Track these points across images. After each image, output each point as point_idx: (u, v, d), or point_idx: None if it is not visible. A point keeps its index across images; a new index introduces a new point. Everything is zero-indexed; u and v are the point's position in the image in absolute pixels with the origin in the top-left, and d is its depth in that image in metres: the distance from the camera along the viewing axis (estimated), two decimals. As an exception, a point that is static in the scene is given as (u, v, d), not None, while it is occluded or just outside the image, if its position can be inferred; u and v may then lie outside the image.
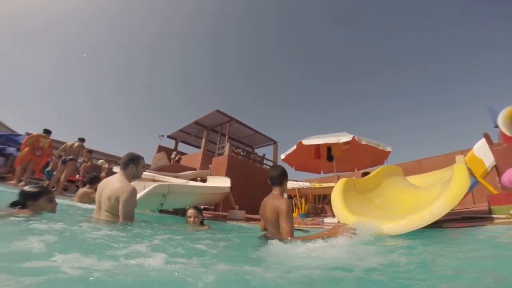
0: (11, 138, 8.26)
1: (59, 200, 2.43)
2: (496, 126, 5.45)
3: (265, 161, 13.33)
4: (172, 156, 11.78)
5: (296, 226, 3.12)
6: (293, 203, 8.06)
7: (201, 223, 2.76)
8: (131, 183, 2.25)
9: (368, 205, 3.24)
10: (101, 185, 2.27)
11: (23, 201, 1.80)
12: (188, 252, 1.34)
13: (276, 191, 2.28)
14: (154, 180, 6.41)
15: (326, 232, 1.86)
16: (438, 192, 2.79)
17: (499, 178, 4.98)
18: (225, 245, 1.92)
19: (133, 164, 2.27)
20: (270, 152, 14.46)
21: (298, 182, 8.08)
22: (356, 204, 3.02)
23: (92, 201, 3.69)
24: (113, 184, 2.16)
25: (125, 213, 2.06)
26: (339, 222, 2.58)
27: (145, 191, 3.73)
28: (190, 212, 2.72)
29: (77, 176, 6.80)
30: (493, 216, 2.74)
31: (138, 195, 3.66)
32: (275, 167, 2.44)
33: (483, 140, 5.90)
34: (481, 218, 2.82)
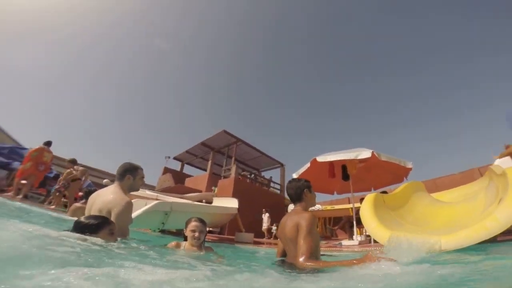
0: (15, 151, 8.07)
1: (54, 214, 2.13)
2: None
3: (272, 184, 12.90)
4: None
5: (322, 250, 2.69)
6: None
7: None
8: (127, 196, 1.93)
9: (400, 221, 2.90)
10: (92, 196, 1.99)
11: (81, 233, 1.41)
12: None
13: (298, 206, 1.94)
14: (157, 199, 6.08)
15: (354, 260, 1.41)
16: (484, 203, 2.44)
17: None
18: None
19: (130, 175, 1.99)
20: (278, 175, 14.03)
21: (311, 205, 7.60)
22: (388, 220, 2.68)
23: None
24: (106, 196, 1.88)
25: (119, 228, 1.71)
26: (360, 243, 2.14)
27: (146, 207, 3.40)
28: (195, 225, 2.00)
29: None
30: None
31: (138, 212, 3.32)
32: (290, 182, 2.08)
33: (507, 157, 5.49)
34: None
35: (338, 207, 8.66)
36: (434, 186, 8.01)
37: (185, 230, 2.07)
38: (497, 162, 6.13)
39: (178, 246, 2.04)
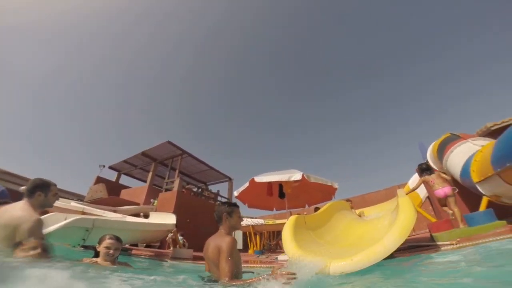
0: None
1: None
2: (426, 161, 6.42)
3: (219, 198, 12.80)
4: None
5: (247, 267, 2.85)
6: (248, 240, 7.70)
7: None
8: (36, 213, 1.85)
9: (319, 241, 3.23)
10: None
11: None
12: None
13: (221, 229, 2.11)
14: (83, 213, 5.45)
15: (264, 276, 1.69)
16: (387, 223, 2.90)
17: (432, 207, 5.64)
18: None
19: (41, 191, 1.95)
20: (225, 189, 14.02)
21: (253, 219, 7.85)
22: (306, 240, 2.97)
23: None
24: (13, 212, 1.78)
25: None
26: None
27: (62, 223, 3.09)
28: (110, 243, 2.05)
29: None
30: (438, 243, 2.92)
31: (53, 227, 3.04)
32: (217, 205, 2.28)
33: (416, 175, 6.79)
34: (427, 245, 2.99)
35: (278, 221, 9.15)
36: (363, 201, 8.95)
37: (98, 246, 2.09)
38: (410, 181, 7.54)
39: (91, 261, 2.04)
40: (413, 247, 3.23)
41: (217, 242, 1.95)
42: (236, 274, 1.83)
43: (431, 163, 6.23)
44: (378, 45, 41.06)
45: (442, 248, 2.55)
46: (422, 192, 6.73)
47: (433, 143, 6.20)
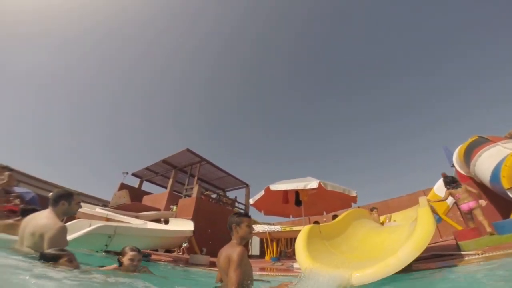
0: None
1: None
2: (452, 166, 6.04)
3: (237, 204, 12.90)
4: None
5: (258, 275, 2.85)
6: (265, 246, 7.69)
7: None
8: (62, 221, 2.10)
9: (334, 252, 3.12)
10: (26, 220, 2.06)
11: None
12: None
13: (233, 239, 2.16)
14: (107, 219, 5.77)
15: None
16: (406, 233, 2.78)
17: (460, 213, 5.32)
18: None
19: (65, 201, 2.15)
20: (243, 195, 14.11)
21: (269, 226, 7.81)
22: (320, 251, 2.89)
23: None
24: (39, 220, 1.98)
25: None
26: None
27: (85, 230, 3.30)
28: (133, 255, 2.31)
29: None
30: (462, 253, 2.79)
31: (78, 234, 3.24)
32: (231, 216, 2.31)
33: (441, 180, 6.40)
34: (450, 255, 2.87)
35: (295, 228, 9.01)
36: (385, 206, 8.58)
37: (121, 257, 2.30)
38: (436, 186, 7.12)
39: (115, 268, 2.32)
40: (437, 256, 3.07)
41: (228, 252, 1.99)
42: (246, 283, 1.85)
43: (457, 168, 5.85)
44: (406, 43, 39.46)
45: (466, 258, 2.39)
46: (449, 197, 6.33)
47: (459, 147, 5.84)
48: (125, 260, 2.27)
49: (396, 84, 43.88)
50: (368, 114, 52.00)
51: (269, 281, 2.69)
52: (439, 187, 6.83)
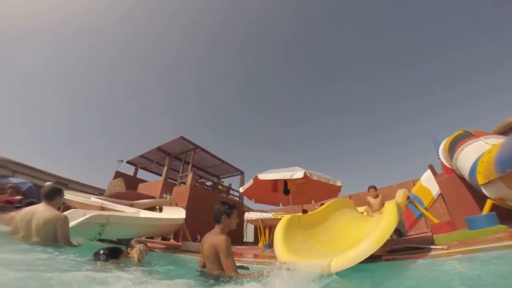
0: None
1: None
2: (439, 158, 6.21)
3: (231, 191, 13.15)
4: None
5: (240, 262, 3.02)
6: (258, 234, 7.98)
7: None
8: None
9: (311, 241, 3.21)
10: (27, 213, 2.31)
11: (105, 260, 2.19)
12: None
13: (217, 228, 2.26)
14: (102, 208, 5.92)
15: (254, 273, 1.84)
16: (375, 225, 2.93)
17: (445, 205, 5.56)
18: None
19: (58, 196, 2.53)
20: (237, 182, 14.34)
21: (262, 213, 8.05)
22: (298, 240, 2.99)
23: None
24: (44, 213, 2.29)
25: (65, 238, 2.33)
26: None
27: (78, 221, 3.43)
28: (144, 249, 2.52)
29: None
30: (431, 246, 2.92)
31: (73, 223, 3.39)
32: (217, 204, 2.38)
33: (428, 171, 6.56)
34: (421, 248, 3.01)
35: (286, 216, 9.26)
36: None
37: (130, 250, 2.50)
38: (423, 178, 7.32)
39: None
40: (411, 248, 3.25)
41: (213, 240, 2.12)
42: (235, 268, 2.01)
43: (443, 160, 5.99)
44: (395, 37, 38.71)
45: (430, 253, 2.56)
46: (434, 189, 6.52)
47: (445, 140, 5.95)
48: (134, 252, 2.45)
49: (390, 73, 43.50)
50: (359, 103, 51.87)
51: (248, 268, 2.85)
52: (426, 178, 7.04)
